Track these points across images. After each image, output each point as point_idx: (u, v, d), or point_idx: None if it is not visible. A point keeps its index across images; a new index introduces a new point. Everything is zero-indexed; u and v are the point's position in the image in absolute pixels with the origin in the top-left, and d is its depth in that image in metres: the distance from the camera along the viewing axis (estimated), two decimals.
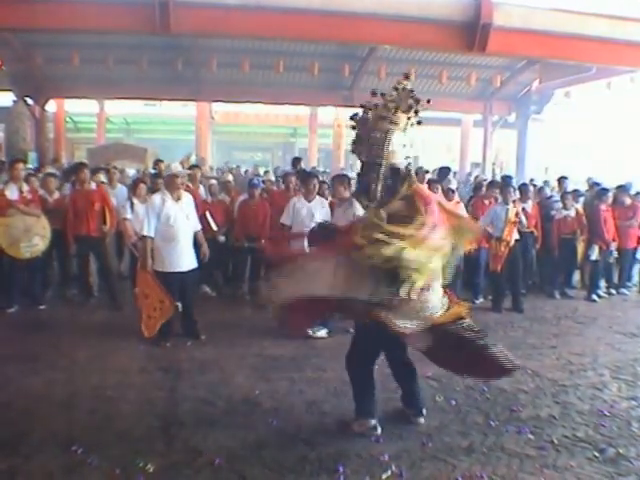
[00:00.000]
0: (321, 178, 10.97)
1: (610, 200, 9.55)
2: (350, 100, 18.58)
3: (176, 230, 6.18)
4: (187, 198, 6.45)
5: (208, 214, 8.03)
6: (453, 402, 4.91)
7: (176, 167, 6.51)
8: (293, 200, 7.59)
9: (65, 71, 16.51)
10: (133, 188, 8.14)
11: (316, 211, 7.44)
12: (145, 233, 6.12)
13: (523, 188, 9.13)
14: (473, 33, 11.29)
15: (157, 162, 11.90)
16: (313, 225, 7.32)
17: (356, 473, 3.72)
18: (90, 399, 4.75)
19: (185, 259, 6.29)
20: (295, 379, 5.34)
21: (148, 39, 14.56)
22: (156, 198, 6.24)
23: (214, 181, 9.91)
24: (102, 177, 8.70)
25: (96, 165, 9.80)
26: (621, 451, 4.16)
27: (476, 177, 14.52)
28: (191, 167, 9.20)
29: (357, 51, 16.23)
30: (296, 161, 11.46)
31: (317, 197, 7.62)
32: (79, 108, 22.95)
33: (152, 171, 11.03)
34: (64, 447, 3.91)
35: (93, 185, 7.93)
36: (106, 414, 4.48)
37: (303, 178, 7.93)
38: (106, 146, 16.65)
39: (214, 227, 8.05)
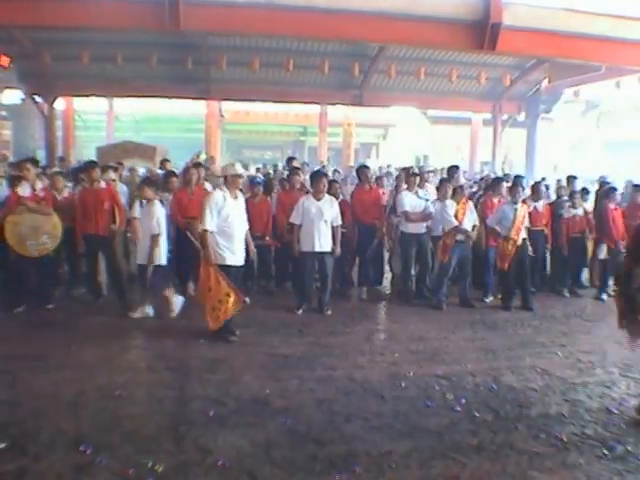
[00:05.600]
0: (334, 177, 11.06)
1: (618, 198, 9.50)
2: (360, 99, 18.59)
3: (234, 227, 6.36)
4: (241, 197, 6.66)
5: None
6: (463, 400, 4.90)
7: (239, 167, 6.64)
8: (302, 199, 7.60)
9: (74, 69, 16.55)
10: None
11: (325, 210, 7.46)
12: (207, 228, 6.22)
13: (535, 187, 9.12)
14: (483, 32, 11.27)
15: (163, 162, 11.96)
16: (322, 224, 7.40)
17: (367, 472, 3.72)
18: (99, 398, 4.76)
19: (239, 255, 6.48)
20: (305, 378, 5.33)
21: (158, 37, 14.59)
22: (218, 195, 6.36)
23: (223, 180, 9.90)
24: (112, 175, 8.71)
25: (105, 164, 9.81)
26: (630, 448, 4.15)
27: (485, 176, 14.44)
28: (195, 165, 9.17)
29: (367, 50, 16.20)
30: (290, 160, 11.55)
31: (326, 196, 7.63)
32: (88, 106, 23.03)
33: (159, 171, 11.03)
34: (73, 447, 3.92)
35: (102, 184, 7.94)
36: (115, 413, 4.48)
37: (312, 177, 7.94)
38: (115, 144, 16.62)
39: None
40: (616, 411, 4.81)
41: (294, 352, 6.05)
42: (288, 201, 8.16)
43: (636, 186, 9.79)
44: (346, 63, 16.77)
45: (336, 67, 16.86)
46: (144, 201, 7.35)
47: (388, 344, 6.55)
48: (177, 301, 7.17)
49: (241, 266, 6.57)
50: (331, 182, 8.44)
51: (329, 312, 7.61)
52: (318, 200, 7.52)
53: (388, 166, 17.36)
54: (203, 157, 15.11)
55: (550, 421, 4.57)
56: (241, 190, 6.86)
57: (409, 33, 11.37)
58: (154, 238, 6.93)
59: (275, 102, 20.99)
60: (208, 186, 8.86)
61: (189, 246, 7.79)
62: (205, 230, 6.22)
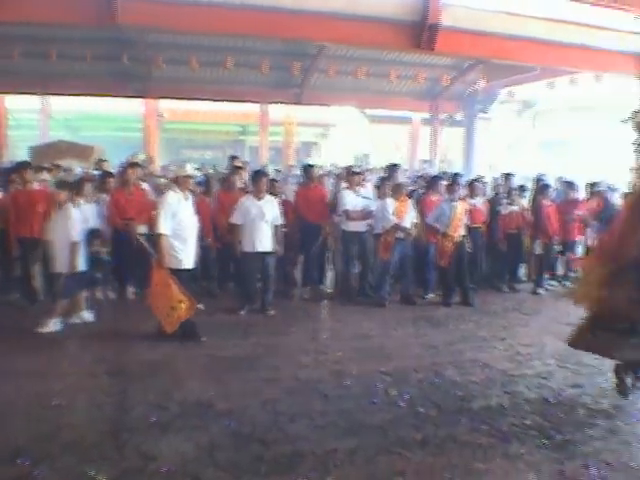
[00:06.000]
0: (276, 176, 11.03)
1: (553, 195, 9.81)
2: (300, 98, 18.57)
3: (187, 229, 6.34)
4: (191, 198, 6.59)
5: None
6: (407, 396, 4.96)
7: (190, 168, 6.68)
8: (242, 199, 7.56)
9: (4, 66, 15.91)
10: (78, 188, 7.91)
11: (266, 210, 7.43)
12: (162, 231, 6.15)
13: (471, 185, 9.32)
14: (421, 33, 11.41)
15: (99, 162, 11.65)
16: (263, 223, 7.37)
17: (312, 470, 3.72)
18: (36, 407, 4.59)
19: (192, 257, 6.46)
20: (249, 379, 5.30)
21: (94, 33, 14.19)
22: (172, 197, 6.30)
23: (163, 180, 9.74)
24: (46, 176, 8.44)
25: (39, 164, 9.49)
26: (568, 437, 4.30)
27: (423, 174, 14.66)
28: (131, 165, 8.90)
29: (307, 49, 16.18)
30: (232, 159, 11.50)
31: (267, 195, 7.61)
32: (20, 104, 22.22)
33: (94, 172, 10.71)
34: (9, 459, 3.76)
35: (36, 185, 7.68)
36: (54, 423, 4.33)
37: (253, 176, 7.90)
38: (49, 144, 16.02)
39: None
40: (554, 401, 4.98)
41: (238, 353, 6.00)
42: (228, 201, 8.08)
43: (569, 183, 10.14)
44: (286, 62, 16.72)
45: (276, 66, 16.78)
46: (80, 202, 7.11)
47: (332, 343, 6.57)
48: (54, 322, 6.62)
49: (193, 269, 6.55)
50: (272, 181, 8.45)
51: (272, 312, 7.58)
52: (259, 200, 7.49)
53: (332, 165, 17.36)
54: (141, 157, 14.80)
55: (491, 413, 4.68)
56: (191, 191, 6.77)
57: (348, 33, 11.41)
58: (73, 245, 6.59)
59: (215, 101, 20.71)
60: (146, 186, 8.68)
61: (128, 248, 7.64)
62: (161, 234, 6.15)
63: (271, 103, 20.35)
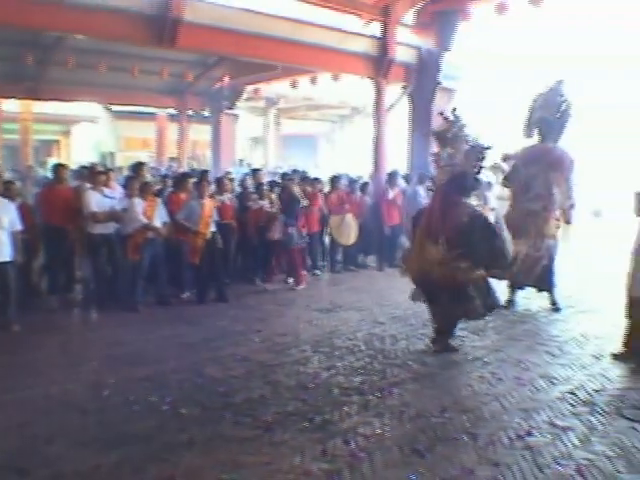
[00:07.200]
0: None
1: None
2: (36, 92, 17.17)
3: None
4: None
5: None
6: (168, 399, 4.87)
7: None
8: None
9: None
10: None
11: (2, 215, 6.77)
12: None
13: (219, 181, 9.48)
14: (162, 27, 11.17)
15: None
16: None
17: None
18: None
19: None
20: None
21: None
22: None
23: None
24: None
25: None
26: (327, 417, 4.58)
27: (172, 171, 14.56)
28: None
29: (42, 39, 14.94)
30: None
31: (1, 199, 6.96)
32: None
33: None
34: None
35: None
36: None
37: None
38: None
39: None
40: (312, 385, 5.27)
41: None
42: None
43: (308, 177, 10.82)
44: (18, 52, 15.30)
45: (6, 57, 15.28)
46: None
47: (85, 353, 6.23)
48: None
49: None
50: (7, 183, 7.74)
51: (16, 328, 6.92)
52: None
53: (77, 164, 16.33)
54: None
55: (254, 405, 4.80)
56: None
57: (86, 23, 10.70)
58: None
59: None
60: None
61: None
62: None
63: (2, 97, 18.59)
